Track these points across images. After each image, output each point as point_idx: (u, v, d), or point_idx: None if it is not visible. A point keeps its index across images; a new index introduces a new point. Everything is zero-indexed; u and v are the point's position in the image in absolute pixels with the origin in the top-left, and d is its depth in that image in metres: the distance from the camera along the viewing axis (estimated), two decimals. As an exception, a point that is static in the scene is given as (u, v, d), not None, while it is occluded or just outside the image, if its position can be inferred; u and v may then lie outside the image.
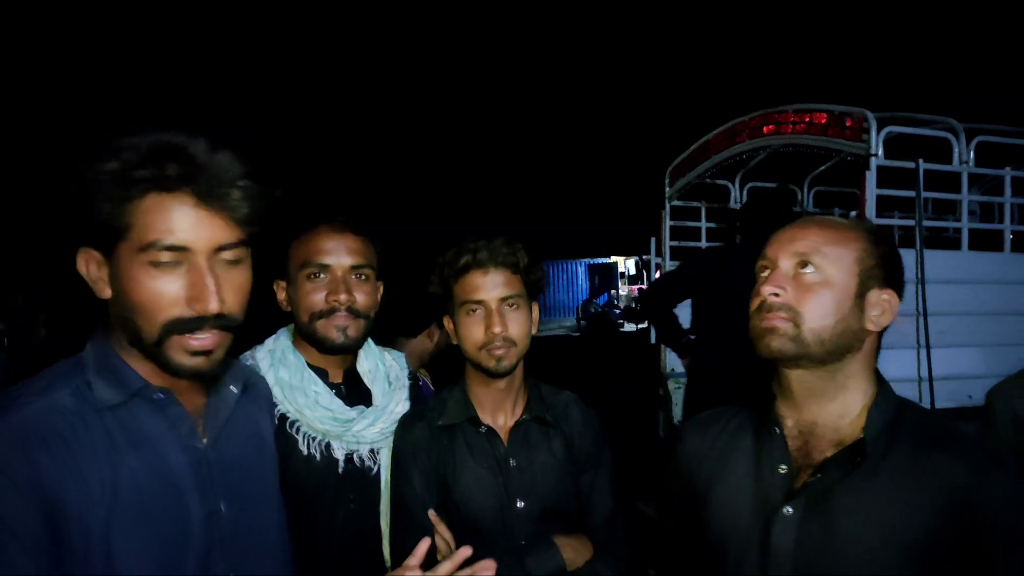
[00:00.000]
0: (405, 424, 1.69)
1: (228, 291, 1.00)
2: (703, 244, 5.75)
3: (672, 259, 5.70)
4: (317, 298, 1.56)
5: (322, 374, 1.64)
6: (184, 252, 0.96)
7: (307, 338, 1.61)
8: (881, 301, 1.20)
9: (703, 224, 5.76)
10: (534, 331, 1.68)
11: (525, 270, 1.65)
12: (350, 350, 1.64)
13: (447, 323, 1.71)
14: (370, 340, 1.76)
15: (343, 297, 1.55)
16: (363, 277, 1.61)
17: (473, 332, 1.60)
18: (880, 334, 1.24)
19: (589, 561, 1.62)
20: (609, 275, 28.49)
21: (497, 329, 1.57)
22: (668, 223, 5.67)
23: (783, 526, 1.16)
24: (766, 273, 1.24)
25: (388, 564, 1.63)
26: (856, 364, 1.20)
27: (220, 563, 1.05)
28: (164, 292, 0.96)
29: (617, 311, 24.05)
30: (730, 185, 5.74)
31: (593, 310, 24.15)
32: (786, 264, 1.21)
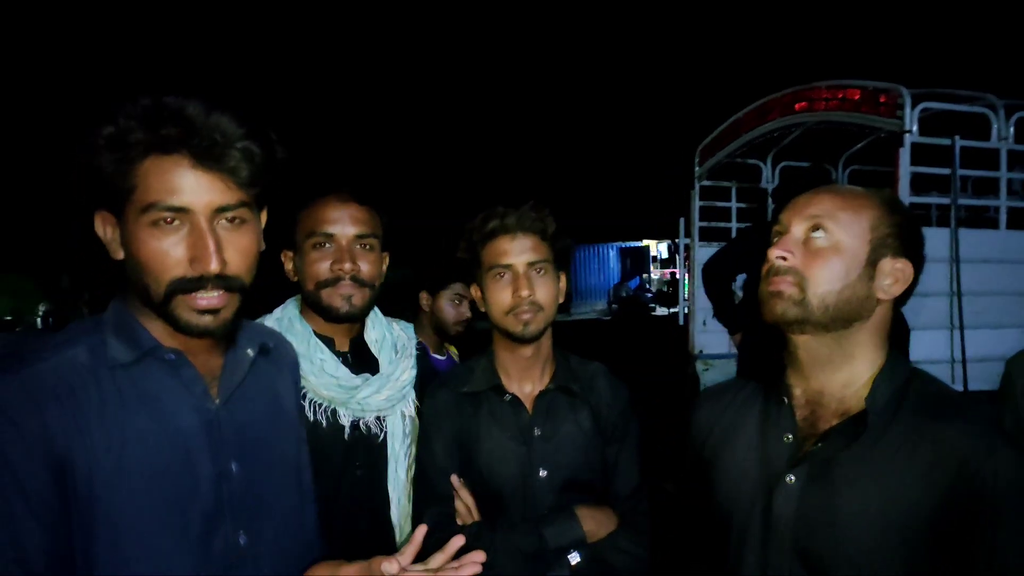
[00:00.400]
0: (430, 391, 1.71)
1: (231, 252, 1.01)
2: (733, 224, 5.69)
3: (702, 240, 5.65)
4: (322, 267, 1.58)
5: (329, 343, 1.66)
6: (184, 213, 0.98)
7: (313, 307, 1.63)
8: (895, 270, 1.17)
9: (733, 204, 5.69)
10: (561, 299, 1.68)
11: (552, 236, 1.65)
12: (355, 319, 1.65)
13: (474, 291, 1.71)
14: (377, 310, 1.77)
15: (347, 266, 1.57)
16: (368, 247, 1.62)
17: (500, 296, 1.61)
18: (895, 305, 1.22)
19: (611, 534, 1.61)
20: (641, 259, 28.29)
21: (524, 292, 1.57)
22: (698, 203, 5.61)
23: (785, 494, 1.16)
24: (778, 238, 1.24)
25: (397, 529, 1.65)
26: (864, 333, 1.19)
27: (230, 523, 1.06)
28: (166, 252, 0.98)
29: (649, 295, 23.88)
30: (761, 164, 5.65)
31: (625, 294, 23.99)
32: (798, 229, 1.20)
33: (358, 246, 1.60)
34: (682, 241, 5.84)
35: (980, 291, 3.63)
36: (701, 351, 5.60)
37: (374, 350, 1.72)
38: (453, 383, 1.70)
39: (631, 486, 1.68)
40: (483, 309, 1.69)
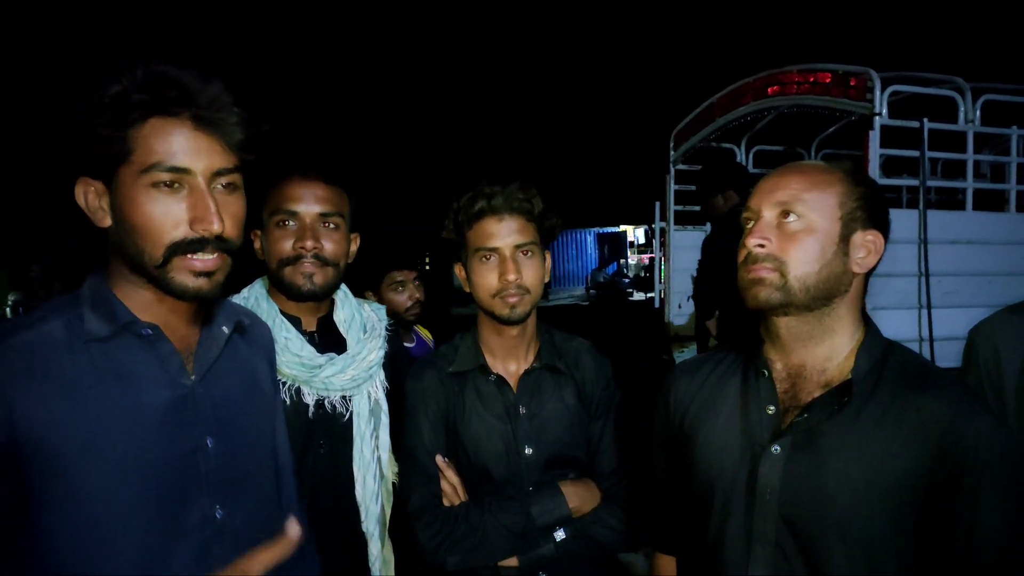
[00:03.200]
0: (415, 371, 1.71)
1: (227, 216, 1.03)
2: (708, 208, 5.75)
3: (677, 224, 5.71)
4: (285, 245, 1.58)
5: (296, 322, 1.66)
6: (184, 174, 1.00)
7: (277, 285, 1.63)
8: (866, 242, 1.21)
9: (708, 188, 5.74)
10: (547, 279, 1.68)
11: (540, 216, 1.65)
12: (317, 297, 1.64)
13: (458, 271, 1.71)
14: (347, 290, 1.78)
15: (309, 244, 1.57)
16: (332, 226, 1.62)
17: (487, 279, 1.60)
18: (867, 276, 1.25)
19: (595, 509, 1.64)
20: (618, 244, 28.41)
21: (511, 276, 1.57)
22: (673, 187, 5.66)
23: (770, 464, 1.19)
24: (751, 224, 1.26)
25: (362, 508, 1.66)
26: (843, 307, 1.22)
27: (206, 497, 1.07)
28: (167, 213, 1.00)
29: (627, 280, 24.01)
30: (736, 148, 5.71)
31: (602, 279, 24.12)
32: (769, 214, 1.22)
33: (322, 225, 1.60)
34: (658, 225, 5.89)
35: (947, 272, 3.72)
36: (676, 335, 5.67)
37: (342, 330, 1.72)
38: (439, 363, 1.71)
39: (615, 462, 1.71)
40: (467, 290, 1.69)
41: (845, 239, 1.20)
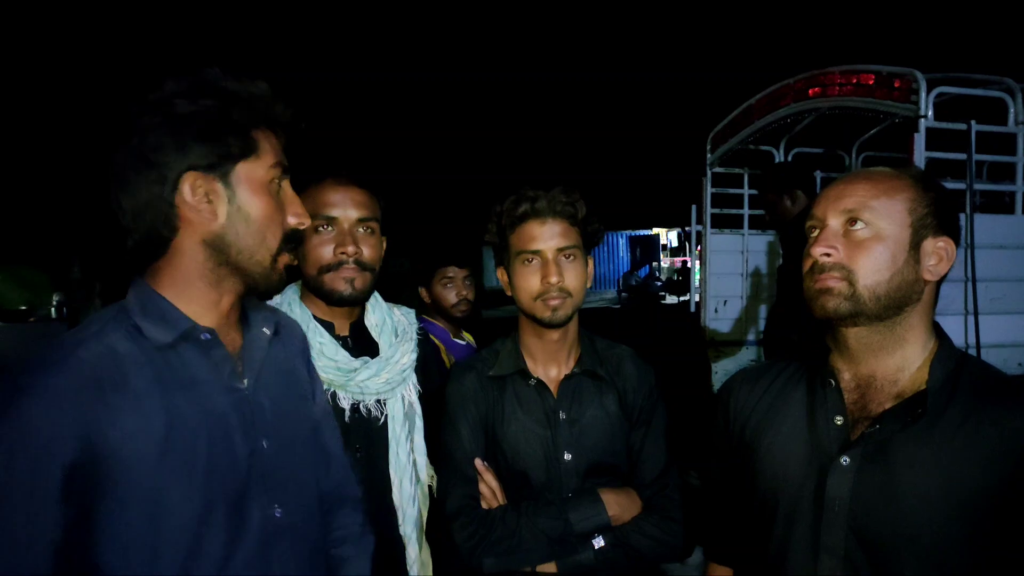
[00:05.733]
0: (455, 374, 1.71)
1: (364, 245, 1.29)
2: (745, 211, 5.68)
3: (713, 227, 5.64)
4: (325, 251, 1.58)
5: (328, 327, 1.66)
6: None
7: (315, 291, 1.63)
8: (937, 249, 1.17)
9: (746, 191, 5.67)
10: (589, 284, 1.67)
11: (583, 221, 1.64)
12: (357, 302, 1.66)
13: (500, 274, 1.70)
14: (377, 294, 1.78)
15: (351, 249, 1.57)
16: (369, 230, 1.62)
17: (529, 282, 1.60)
18: (938, 284, 1.22)
19: (636, 518, 1.61)
20: (651, 247, 28.17)
21: (554, 279, 1.56)
22: (709, 190, 5.60)
23: (839, 476, 1.16)
24: (816, 233, 1.23)
25: (399, 512, 1.67)
26: (915, 316, 1.19)
27: (264, 497, 1.09)
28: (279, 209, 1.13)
29: (659, 283, 23.81)
30: (774, 151, 5.62)
31: (634, 282, 23.92)
32: (835, 222, 1.19)
33: (360, 229, 1.61)
34: (694, 228, 5.83)
35: (995, 277, 3.62)
36: (712, 339, 5.60)
37: (374, 334, 1.73)
38: (479, 367, 1.71)
39: (657, 470, 1.68)
40: (509, 293, 1.68)
41: (916, 246, 1.17)
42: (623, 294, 23.79)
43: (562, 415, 1.65)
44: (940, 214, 1.19)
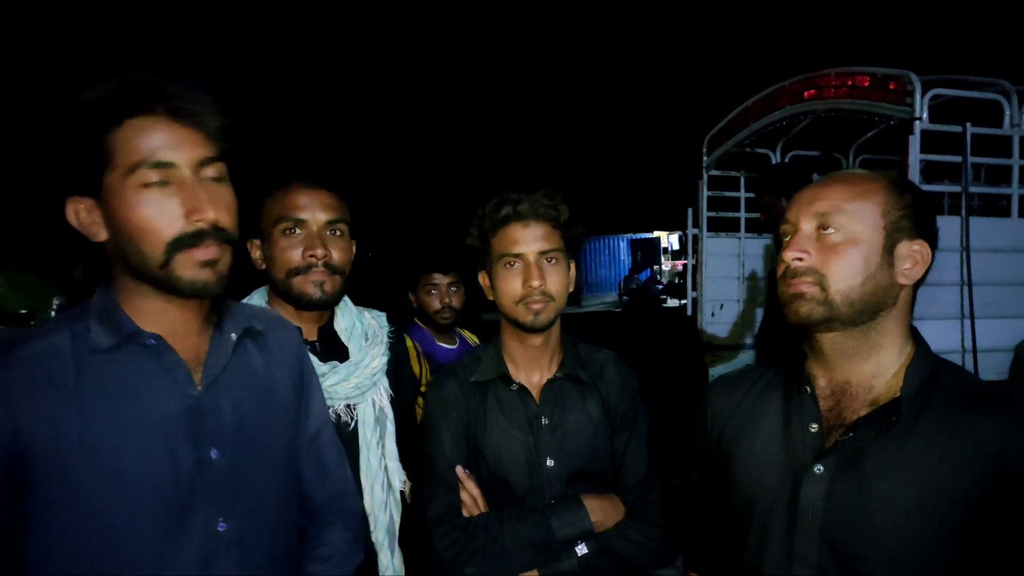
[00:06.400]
0: (437, 380, 1.70)
1: (219, 206, 1.03)
2: (742, 215, 5.66)
3: (710, 230, 5.62)
4: (294, 254, 1.56)
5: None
6: (170, 169, 1.00)
7: (283, 295, 1.61)
8: (912, 252, 1.16)
9: (742, 194, 5.65)
10: (571, 288, 1.65)
11: (566, 224, 1.62)
12: (327, 306, 1.64)
13: (482, 278, 1.69)
14: (347, 298, 1.76)
15: (319, 252, 1.55)
16: (338, 233, 1.61)
17: (511, 286, 1.58)
18: (915, 288, 1.20)
19: (619, 524, 1.60)
20: (652, 250, 28.19)
21: (535, 283, 1.55)
22: (705, 193, 5.58)
23: (813, 484, 1.15)
24: (788, 237, 1.22)
25: (371, 518, 1.64)
26: (890, 321, 1.17)
27: (209, 509, 1.05)
28: (161, 211, 0.99)
29: (660, 286, 23.80)
30: (771, 154, 5.60)
31: (635, 285, 23.92)
32: (807, 226, 1.18)
33: (329, 232, 1.59)
34: (690, 231, 5.80)
35: (991, 281, 3.59)
36: (710, 343, 5.58)
37: (344, 338, 1.70)
38: (461, 372, 1.69)
39: (640, 475, 1.67)
40: (491, 297, 1.67)
41: (890, 250, 1.15)
42: (624, 297, 23.79)
43: (544, 420, 1.63)
44: (916, 216, 1.17)
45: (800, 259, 1.17)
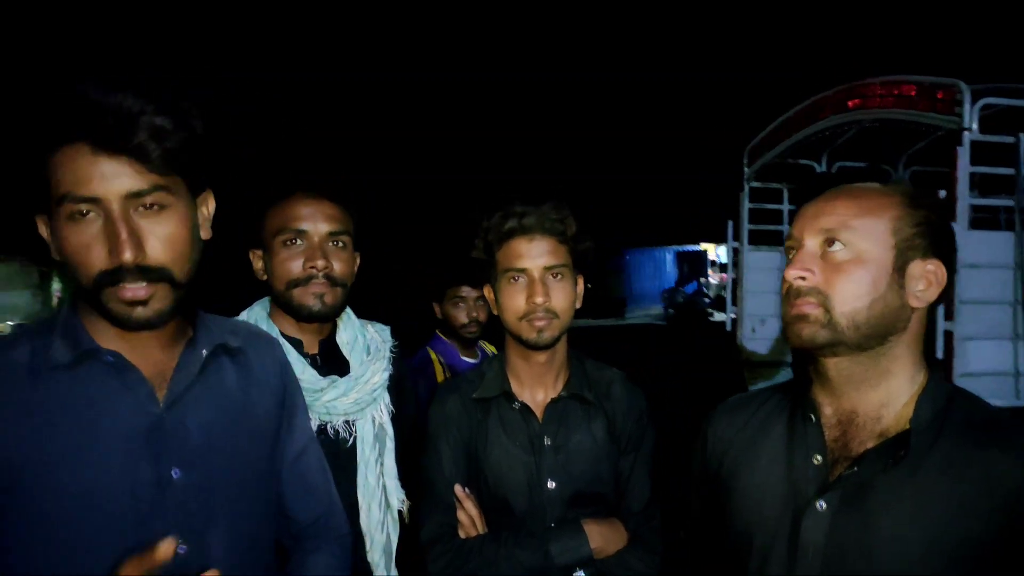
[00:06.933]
0: (439, 396, 1.65)
1: (151, 240, 0.96)
2: (784, 227, 5.51)
3: (751, 243, 5.48)
4: (294, 265, 1.53)
5: (297, 344, 1.61)
6: (95, 203, 0.94)
7: (284, 307, 1.59)
8: (926, 273, 1.07)
9: (785, 206, 5.51)
10: (579, 304, 1.60)
11: (573, 239, 1.57)
12: (327, 318, 1.60)
13: (487, 292, 1.64)
14: (350, 311, 1.72)
15: (320, 263, 1.52)
16: (340, 244, 1.58)
17: (514, 301, 1.53)
18: (930, 311, 1.12)
19: (620, 552, 1.53)
20: (699, 263, 27.79)
21: (539, 299, 1.50)
22: (747, 205, 5.45)
23: (814, 521, 1.07)
24: (792, 254, 1.14)
25: (367, 538, 1.58)
26: (901, 347, 1.08)
27: (167, 531, 0.98)
28: (85, 245, 0.95)
29: (707, 300, 23.41)
30: (815, 165, 5.45)
31: (680, 298, 23.58)
32: (812, 243, 1.10)
33: (330, 243, 1.56)
34: (730, 245, 5.67)
35: (1047, 299, 3.40)
36: (748, 359, 5.43)
37: (345, 352, 1.67)
38: (464, 388, 1.64)
39: (643, 501, 1.59)
40: (496, 312, 1.62)
41: (900, 269, 1.07)
42: (668, 310, 23.48)
43: (547, 441, 1.57)
44: (930, 234, 1.08)
45: (803, 278, 1.09)
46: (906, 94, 3.73)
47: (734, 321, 5.67)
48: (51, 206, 0.95)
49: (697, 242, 27.41)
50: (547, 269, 1.53)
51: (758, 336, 5.48)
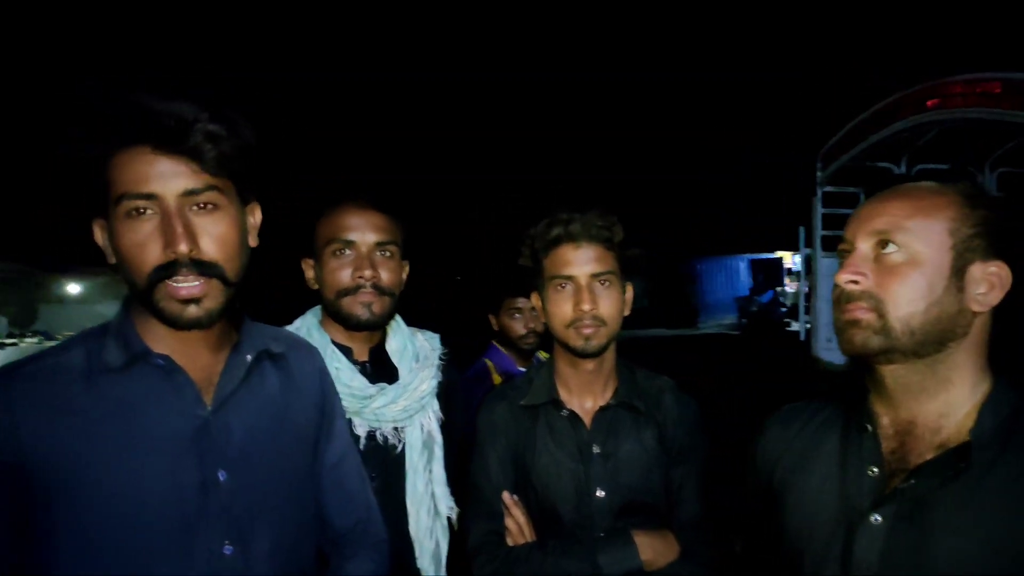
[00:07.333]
0: (487, 403, 1.66)
1: (205, 237, 1.01)
2: (861, 234, 5.29)
3: (825, 250, 5.28)
4: (343, 275, 1.56)
5: (347, 352, 1.63)
6: (153, 200, 0.99)
7: (333, 315, 1.61)
8: (988, 275, 1.01)
9: (861, 212, 5.28)
10: (627, 312, 1.58)
11: (620, 245, 1.55)
12: (375, 327, 1.62)
13: (535, 299, 1.64)
14: (399, 319, 1.74)
15: (367, 273, 1.54)
16: (388, 254, 1.60)
17: (561, 309, 1.52)
18: (995, 315, 1.05)
19: (671, 564, 1.48)
20: (774, 271, 26.98)
21: (586, 307, 1.49)
22: (820, 210, 5.26)
23: (869, 536, 1.02)
24: (844, 257, 1.10)
25: (416, 544, 1.58)
26: (962, 354, 1.03)
27: (214, 533, 1.04)
28: (141, 241, 0.99)
29: (783, 309, 22.69)
30: (894, 167, 5.21)
31: (754, 308, 22.94)
32: (864, 245, 1.06)
33: (378, 253, 1.58)
34: (803, 252, 5.49)
35: None
36: (825, 368, 5.23)
37: (395, 359, 1.69)
38: (512, 395, 1.64)
39: (695, 514, 1.55)
40: (543, 320, 1.62)
41: (959, 272, 1.01)
42: (742, 320, 22.88)
43: (596, 449, 1.55)
44: (992, 235, 1.02)
45: (855, 282, 1.04)
46: (989, 92, 3.54)
47: (808, 331, 5.47)
48: (109, 207, 1.01)
49: (772, 250, 26.65)
50: (594, 276, 1.51)
51: (834, 346, 5.28)
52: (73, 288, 11.44)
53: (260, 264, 1.18)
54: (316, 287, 1.64)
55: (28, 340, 9.01)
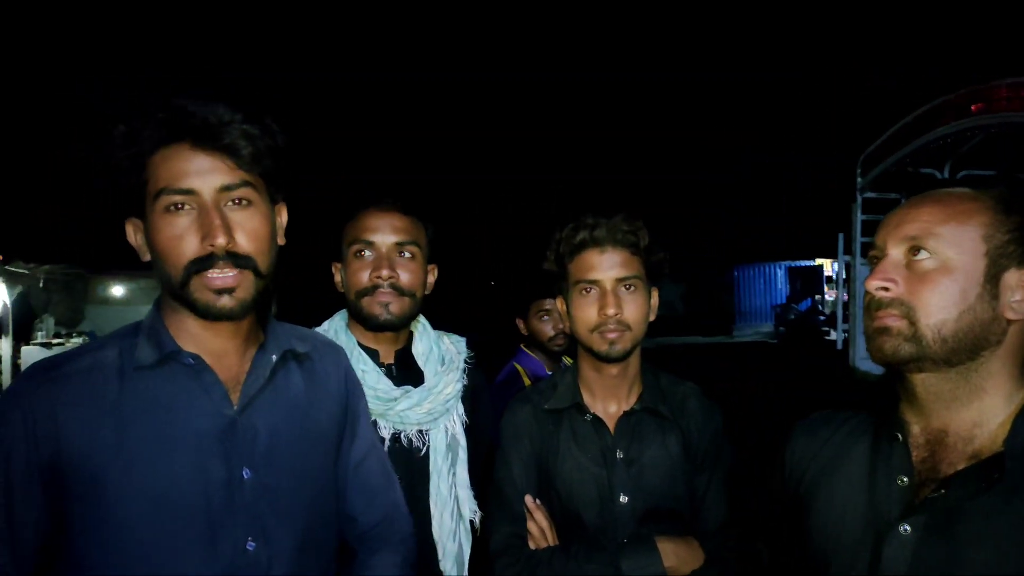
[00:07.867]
0: (511, 406, 1.65)
1: (239, 231, 1.06)
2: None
3: (864, 258, 5.17)
4: (363, 275, 1.57)
5: (373, 354, 1.64)
6: (191, 195, 1.03)
7: (355, 316, 1.63)
8: (1023, 282, 0.99)
9: (903, 218, 5.16)
10: (652, 317, 1.57)
11: (646, 250, 1.54)
12: (395, 327, 1.62)
13: (559, 304, 1.64)
14: (426, 322, 1.75)
15: (385, 273, 1.55)
16: (408, 255, 1.60)
17: (586, 313, 1.52)
18: None
19: (695, 572, 1.46)
20: (813, 279, 26.49)
21: (611, 311, 1.48)
22: (860, 217, 5.16)
23: (897, 546, 1.00)
24: (874, 263, 1.07)
25: (439, 547, 1.59)
26: (996, 362, 1.00)
27: (239, 529, 1.06)
28: (179, 235, 1.03)
29: (822, 317, 22.26)
30: (937, 173, 5.09)
31: (792, 316, 22.54)
32: (896, 251, 1.04)
33: (398, 254, 1.59)
34: (841, 259, 5.38)
35: None
36: (863, 377, 5.12)
37: (420, 362, 1.69)
38: (535, 399, 1.64)
39: (720, 521, 1.53)
40: (569, 324, 1.62)
41: (994, 279, 0.99)
42: (780, 328, 22.50)
43: (619, 454, 1.54)
44: None
45: (886, 288, 1.02)
46: (1037, 95, 3.44)
47: (846, 340, 5.36)
48: (146, 204, 1.05)
49: (812, 257, 26.18)
50: (619, 281, 1.50)
51: (873, 356, 5.17)
52: (117, 290, 11.73)
53: (298, 269, 1.21)
54: (343, 291, 1.66)
55: (74, 340, 9.24)
